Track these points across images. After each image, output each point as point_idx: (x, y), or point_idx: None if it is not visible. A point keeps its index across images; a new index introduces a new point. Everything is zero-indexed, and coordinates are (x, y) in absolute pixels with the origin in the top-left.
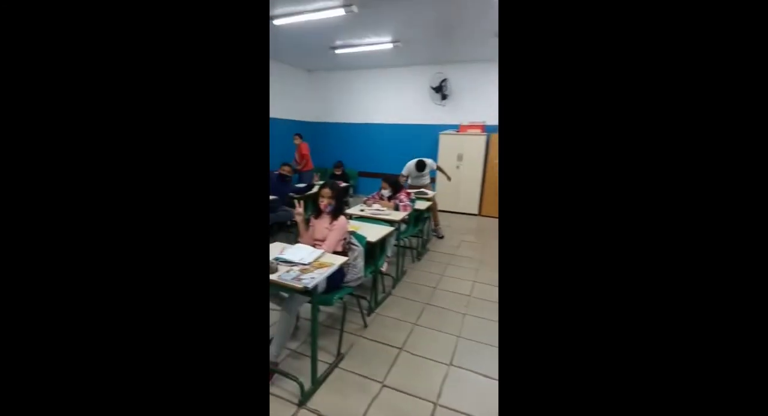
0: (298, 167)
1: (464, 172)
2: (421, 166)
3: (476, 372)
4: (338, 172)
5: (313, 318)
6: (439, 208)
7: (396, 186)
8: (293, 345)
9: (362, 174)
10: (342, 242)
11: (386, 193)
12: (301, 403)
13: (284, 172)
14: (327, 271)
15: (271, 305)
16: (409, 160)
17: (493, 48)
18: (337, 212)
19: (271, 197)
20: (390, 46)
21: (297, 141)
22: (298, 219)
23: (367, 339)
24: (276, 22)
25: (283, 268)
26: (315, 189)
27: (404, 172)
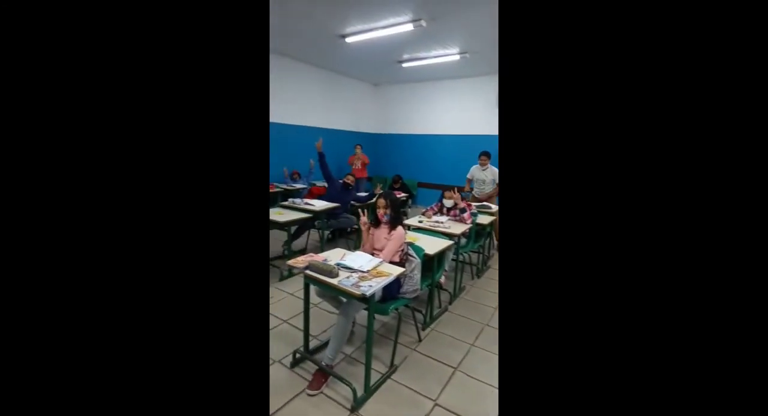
0: (362, 177)
1: None
2: (486, 154)
3: None
4: (396, 186)
5: (369, 326)
6: None
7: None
8: (348, 349)
9: (422, 185)
10: (399, 252)
11: (448, 203)
12: (354, 409)
13: (348, 181)
14: (385, 281)
15: (330, 307)
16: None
17: None
18: (395, 222)
19: (333, 204)
20: (457, 57)
21: (359, 150)
22: (364, 228)
23: (421, 353)
24: (348, 40)
25: (343, 274)
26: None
27: (469, 175)
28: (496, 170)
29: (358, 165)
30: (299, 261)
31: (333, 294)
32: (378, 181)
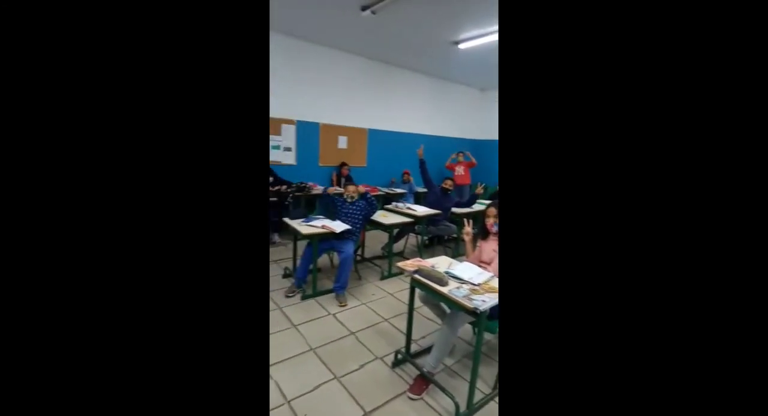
0: (465, 184)
1: None
2: None
3: None
4: None
5: (477, 344)
6: None
7: None
8: (448, 361)
9: None
10: None
11: None
12: None
13: (446, 186)
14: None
15: (429, 313)
16: None
17: None
18: None
19: (435, 211)
20: None
21: (461, 156)
22: (467, 238)
23: None
24: (461, 46)
25: (452, 283)
26: (475, 207)
27: None
28: None
29: (460, 171)
30: (408, 265)
31: (439, 301)
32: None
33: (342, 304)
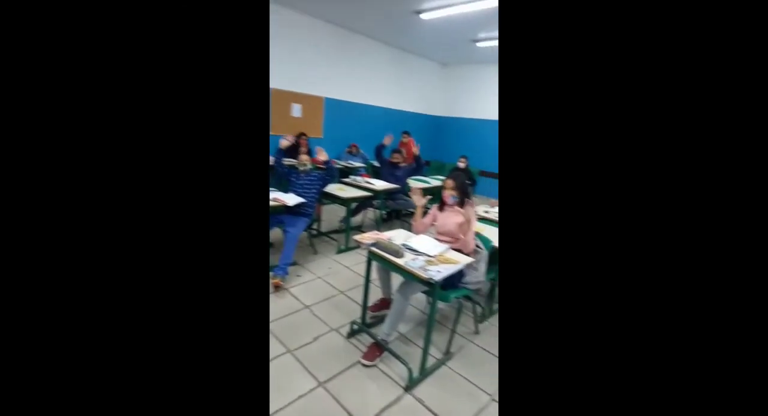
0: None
1: None
2: None
3: None
4: (462, 165)
5: (432, 312)
6: None
7: None
8: (402, 329)
9: (483, 173)
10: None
11: None
12: (408, 388)
13: (394, 160)
14: (453, 268)
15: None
16: None
17: None
18: (462, 205)
19: (393, 185)
20: None
21: (405, 138)
22: (417, 201)
23: (477, 346)
24: (423, 16)
25: (408, 255)
26: (433, 182)
27: None
28: None
29: (403, 152)
30: (365, 238)
31: (396, 273)
32: (441, 165)
33: (276, 283)
